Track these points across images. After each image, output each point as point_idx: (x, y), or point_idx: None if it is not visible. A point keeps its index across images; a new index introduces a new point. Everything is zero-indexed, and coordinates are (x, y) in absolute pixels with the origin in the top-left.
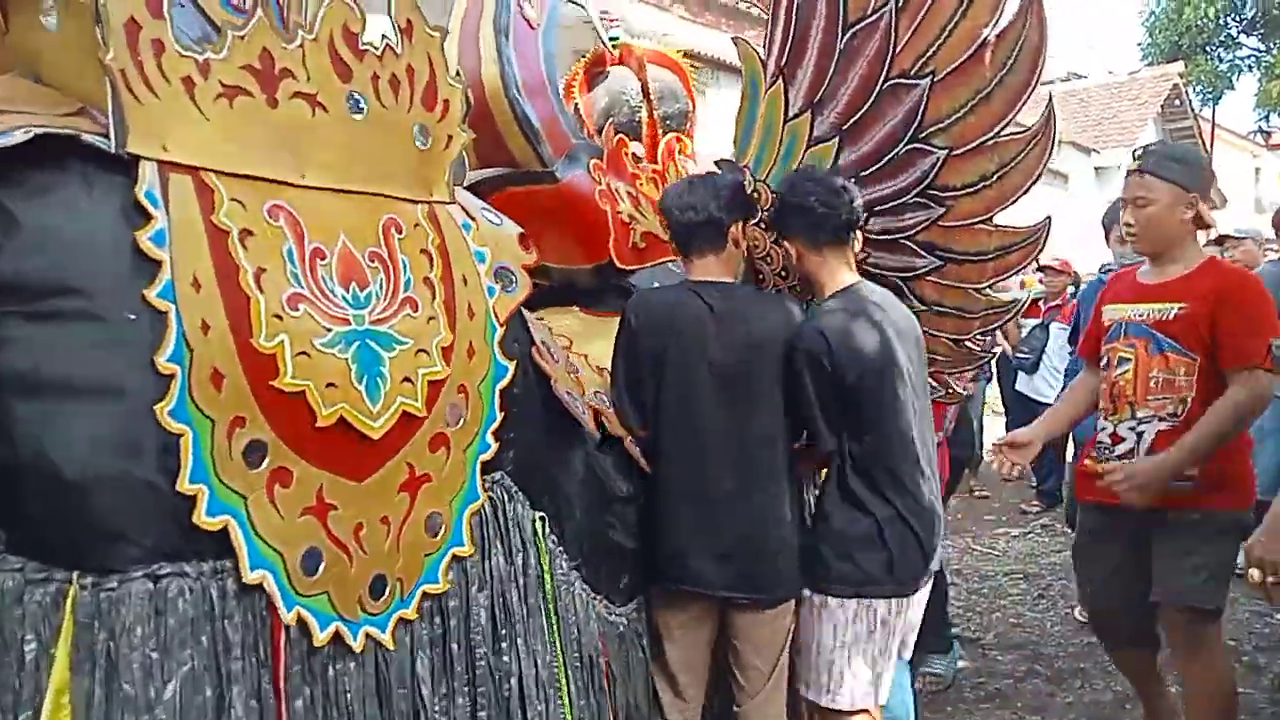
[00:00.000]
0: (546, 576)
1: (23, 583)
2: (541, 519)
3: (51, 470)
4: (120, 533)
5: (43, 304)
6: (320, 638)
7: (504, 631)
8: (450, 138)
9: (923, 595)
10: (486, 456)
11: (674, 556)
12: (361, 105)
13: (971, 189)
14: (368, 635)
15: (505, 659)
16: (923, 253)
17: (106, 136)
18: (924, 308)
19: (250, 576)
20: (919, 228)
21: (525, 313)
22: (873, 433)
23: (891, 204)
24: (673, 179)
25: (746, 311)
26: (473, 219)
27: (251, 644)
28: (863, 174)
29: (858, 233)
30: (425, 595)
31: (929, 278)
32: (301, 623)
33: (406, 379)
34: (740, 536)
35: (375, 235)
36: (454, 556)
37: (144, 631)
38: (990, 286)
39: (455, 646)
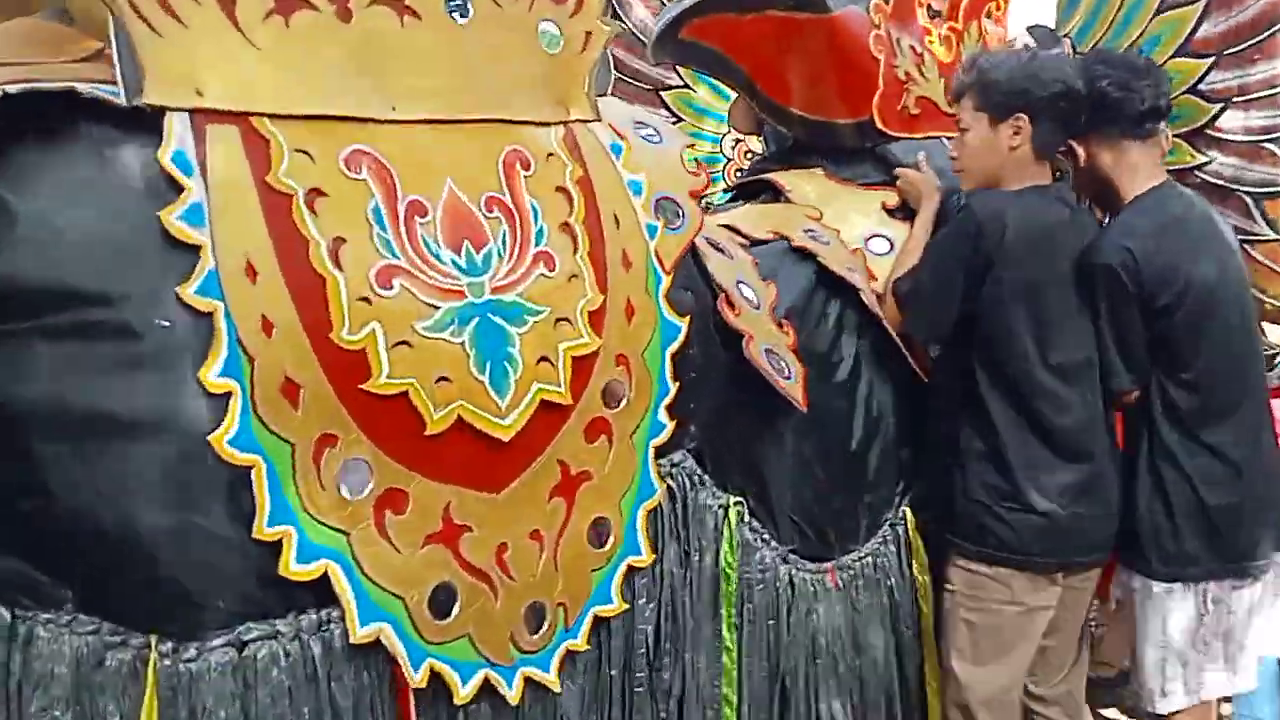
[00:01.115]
0: (729, 574)
1: (101, 646)
2: (738, 504)
3: (95, 524)
4: (188, 594)
5: (56, 317)
6: (462, 693)
7: (667, 645)
8: (588, 35)
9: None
10: (661, 439)
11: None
12: (466, 6)
13: None
14: (527, 679)
15: (665, 676)
16: None
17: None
18: (1274, 236)
19: (360, 634)
20: None
21: (704, 246)
22: (1193, 372)
23: (1263, 94)
24: (971, 44)
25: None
26: (622, 138)
27: (369, 705)
28: (1229, 51)
29: (1166, 128)
30: (597, 619)
31: None
32: (436, 677)
33: (544, 359)
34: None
35: (494, 176)
36: (630, 568)
37: (229, 713)
38: None
39: (612, 671)
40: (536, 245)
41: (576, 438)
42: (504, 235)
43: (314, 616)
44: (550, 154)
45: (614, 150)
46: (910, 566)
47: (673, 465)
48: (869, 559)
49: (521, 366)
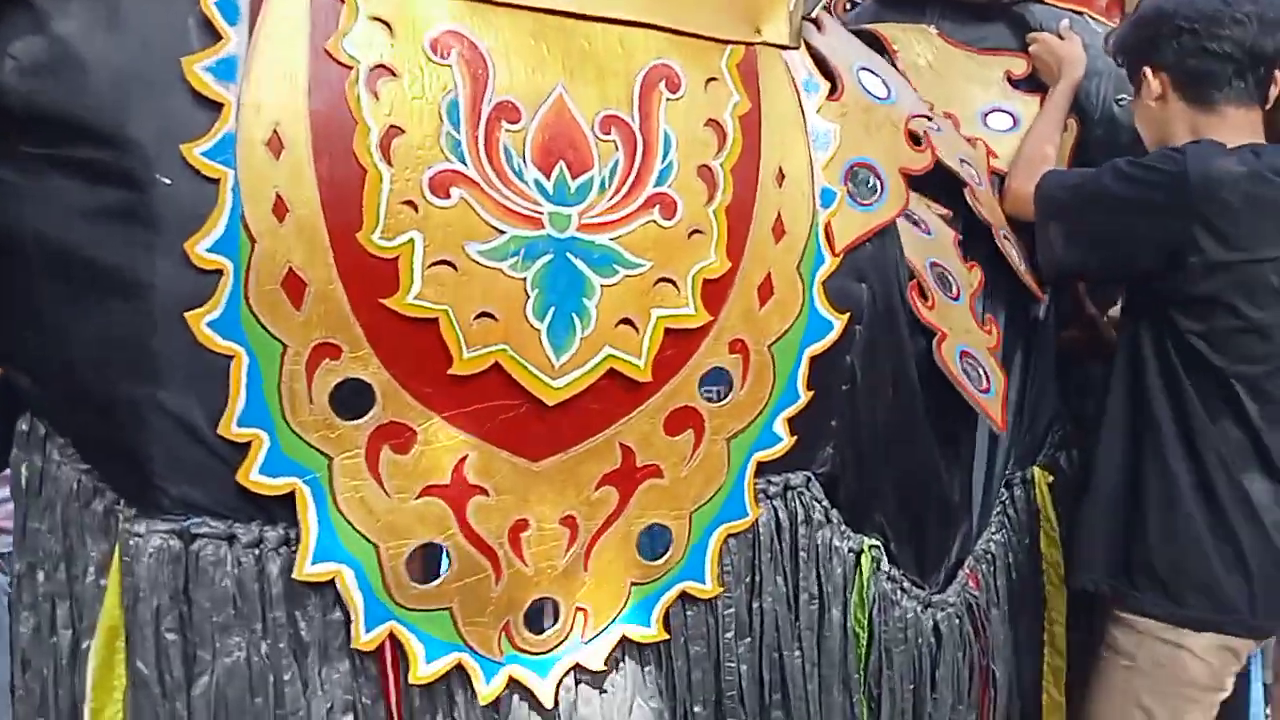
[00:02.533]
0: (858, 635)
1: (91, 489)
2: (874, 549)
3: (77, 376)
4: (144, 471)
5: (69, 150)
6: (423, 671)
7: (775, 698)
8: None
9: None
10: (769, 454)
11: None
12: None
13: None
14: (513, 680)
15: None
16: None
17: None
18: None
19: (308, 571)
20: None
21: (909, 227)
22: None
23: None
24: None
25: None
26: (829, 78)
27: (340, 648)
28: None
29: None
30: (627, 642)
31: None
32: (395, 645)
33: (626, 321)
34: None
35: (625, 91)
36: (684, 594)
37: (160, 603)
38: None
39: (695, 708)
40: (657, 185)
41: (653, 424)
42: (616, 164)
43: (281, 531)
44: (712, 79)
45: (807, 88)
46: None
47: (788, 488)
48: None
49: (594, 323)
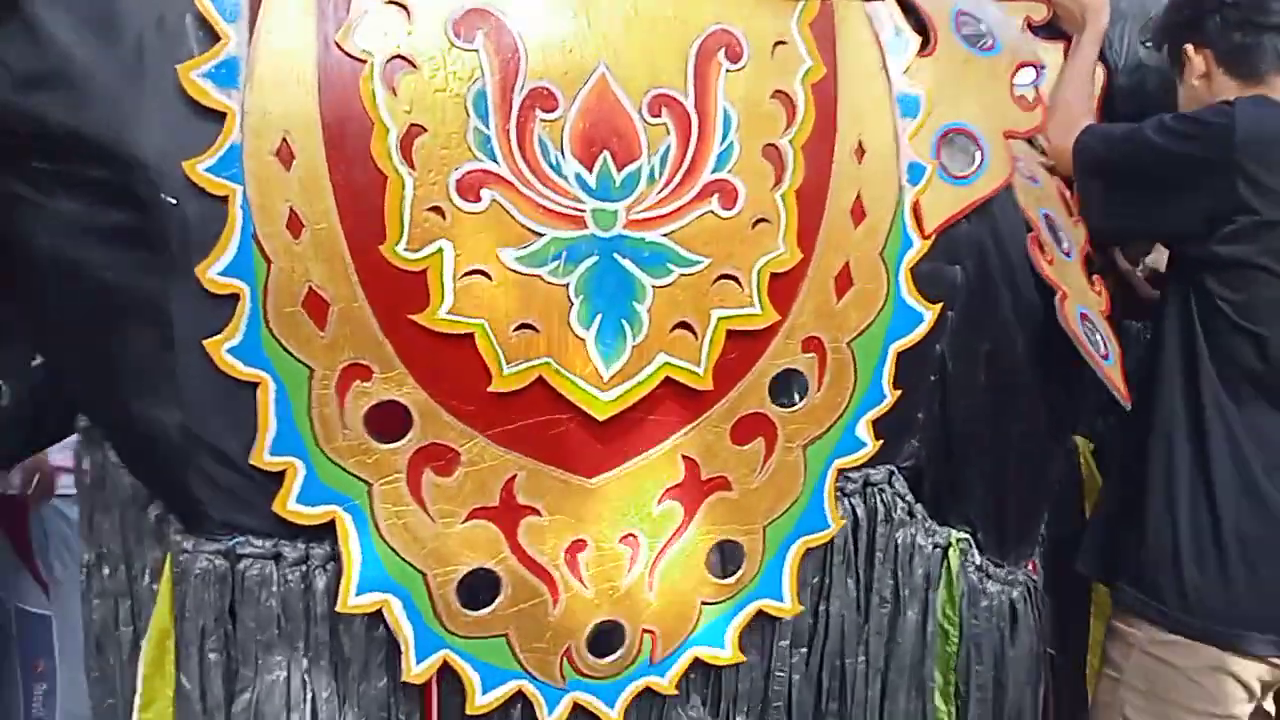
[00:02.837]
0: (948, 632)
1: (145, 495)
2: (962, 541)
3: (98, 390)
4: (185, 494)
5: (73, 167)
6: (479, 701)
7: (833, 706)
8: None
9: None
10: (851, 461)
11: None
12: None
13: None
14: (579, 706)
15: None
16: None
17: None
18: None
19: (355, 602)
20: None
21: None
22: None
23: None
24: None
25: None
26: (921, 31)
27: (381, 664)
28: None
29: None
30: (699, 664)
31: None
32: (451, 675)
33: (683, 325)
34: None
35: (678, 65)
36: (760, 613)
37: (205, 624)
38: None
39: None
40: (715, 171)
41: (717, 433)
42: (667, 150)
43: (328, 548)
44: (780, 42)
45: (893, 45)
46: None
47: (868, 484)
48: None
49: (647, 329)
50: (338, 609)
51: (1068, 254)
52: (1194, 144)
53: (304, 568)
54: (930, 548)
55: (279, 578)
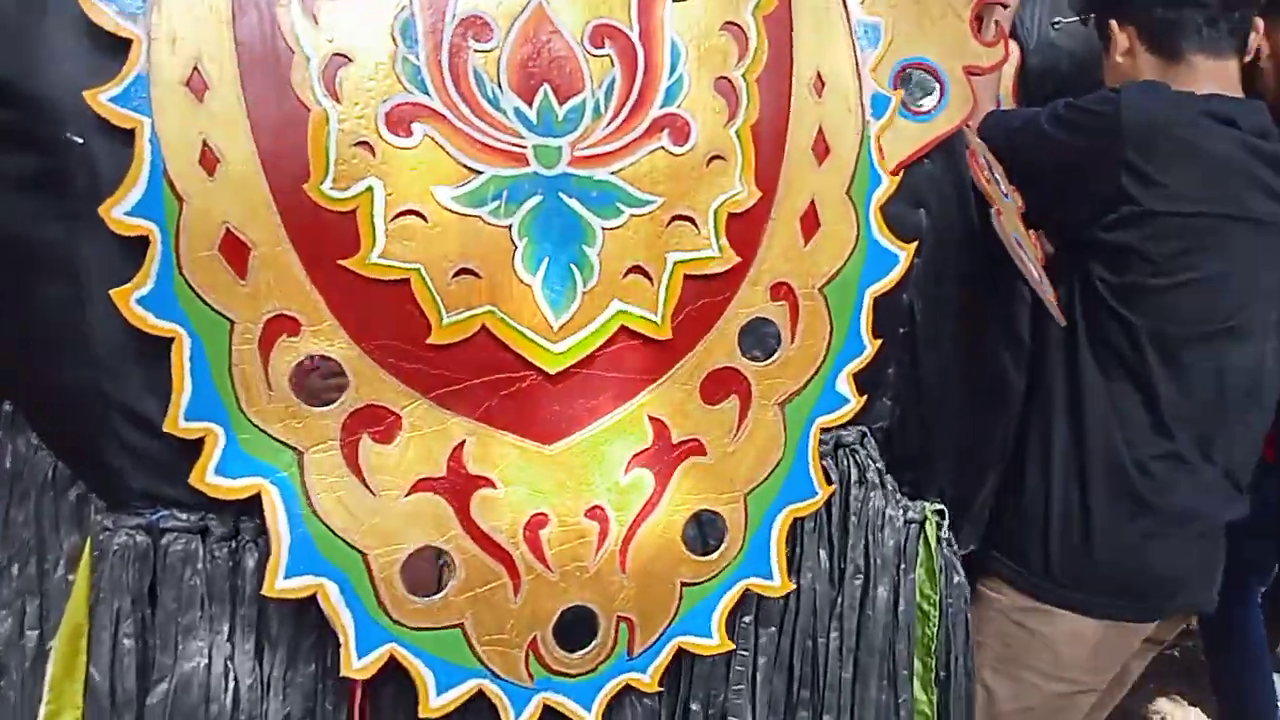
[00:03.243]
0: (927, 613)
1: (66, 478)
2: (937, 514)
3: (15, 356)
4: (102, 462)
5: None
6: (434, 704)
7: (803, 695)
8: None
9: None
10: (833, 418)
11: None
12: None
13: None
14: (549, 708)
15: None
16: None
17: None
18: None
19: (279, 587)
20: None
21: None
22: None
23: None
24: None
25: None
26: None
27: (310, 649)
28: None
29: (1256, 28)
30: (682, 652)
31: None
32: (397, 671)
33: (637, 269)
34: None
35: None
36: (747, 593)
37: (121, 605)
38: None
39: None
40: (664, 105)
41: (687, 391)
42: (613, 83)
43: (259, 521)
44: None
45: None
46: None
47: (839, 445)
48: None
49: (598, 274)
50: (264, 593)
51: (1006, 195)
52: (1081, 134)
53: (233, 543)
54: (901, 521)
55: (205, 554)
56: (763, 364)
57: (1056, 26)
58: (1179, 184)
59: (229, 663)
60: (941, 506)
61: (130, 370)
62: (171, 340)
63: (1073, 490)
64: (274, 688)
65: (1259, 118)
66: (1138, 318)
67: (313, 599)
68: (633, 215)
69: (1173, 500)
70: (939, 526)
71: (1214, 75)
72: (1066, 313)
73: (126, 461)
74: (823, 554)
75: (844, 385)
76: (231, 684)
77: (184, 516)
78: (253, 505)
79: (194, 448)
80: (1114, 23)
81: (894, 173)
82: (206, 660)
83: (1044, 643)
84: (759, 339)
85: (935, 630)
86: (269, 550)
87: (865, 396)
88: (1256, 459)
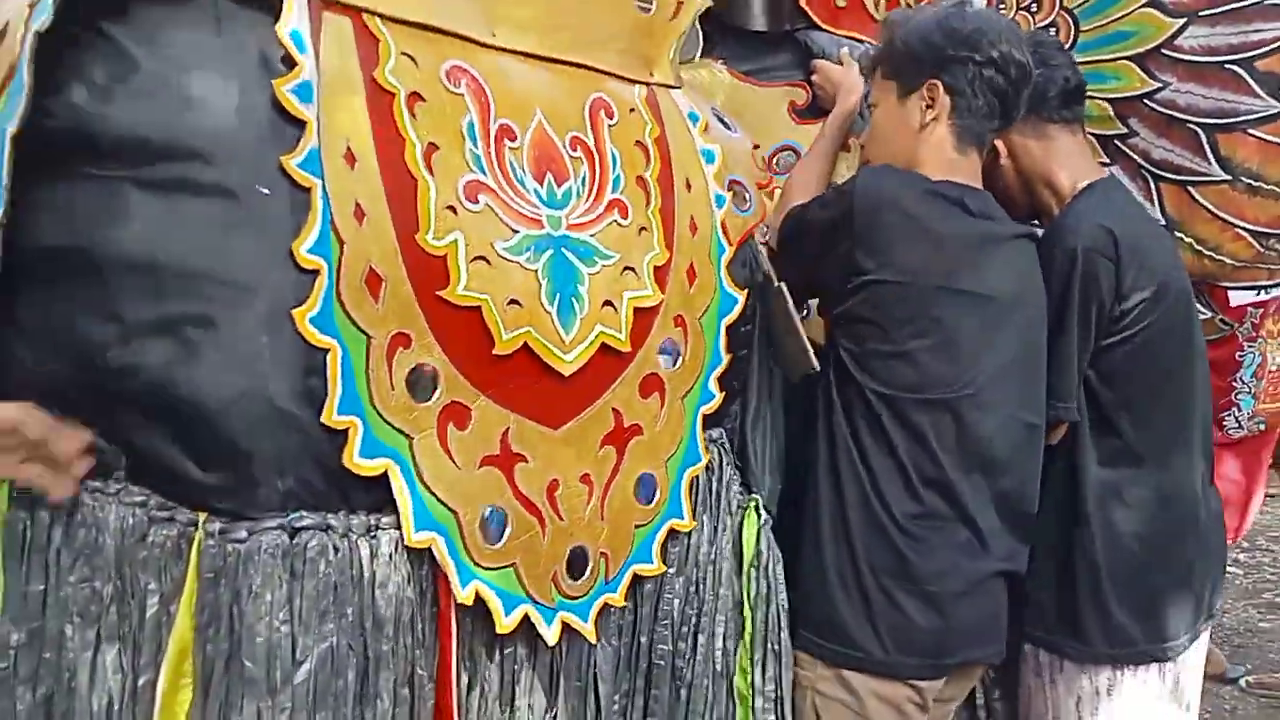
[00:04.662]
0: (751, 571)
1: (146, 520)
2: (761, 509)
3: (168, 384)
4: (249, 468)
5: (159, 169)
6: (505, 623)
7: (686, 630)
8: (679, 4)
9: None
10: (710, 408)
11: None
12: None
13: None
14: (565, 625)
15: (682, 661)
16: (1260, 90)
17: None
18: (1224, 179)
19: (415, 538)
20: (1272, 46)
21: (760, 239)
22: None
23: (1232, 5)
24: None
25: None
26: (700, 112)
27: (409, 621)
28: None
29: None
30: (636, 578)
31: (1257, 130)
32: (480, 602)
33: (608, 303)
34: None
35: (580, 117)
36: (671, 530)
37: (274, 598)
38: None
39: (643, 639)
40: (613, 192)
41: (632, 389)
42: (585, 175)
43: (365, 518)
44: (632, 109)
45: (691, 118)
46: None
47: (711, 441)
48: None
49: (587, 306)
50: (405, 543)
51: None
52: (828, 211)
53: (350, 538)
54: (737, 495)
55: (331, 548)
56: (671, 370)
57: None
58: (902, 256)
59: (350, 644)
60: (757, 497)
61: (286, 379)
62: (326, 352)
63: (843, 552)
64: (384, 660)
65: (985, 203)
66: (875, 384)
67: (409, 579)
68: (604, 265)
69: (934, 558)
70: (759, 513)
71: (963, 169)
72: (823, 379)
73: (274, 460)
74: (706, 517)
75: (713, 385)
76: (354, 659)
77: (313, 516)
78: (355, 504)
79: (327, 445)
80: (938, 84)
81: (734, 245)
82: (335, 640)
83: (851, 710)
84: (669, 350)
85: (751, 584)
86: (373, 545)
87: (726, 399)
88: (1030, 515)
